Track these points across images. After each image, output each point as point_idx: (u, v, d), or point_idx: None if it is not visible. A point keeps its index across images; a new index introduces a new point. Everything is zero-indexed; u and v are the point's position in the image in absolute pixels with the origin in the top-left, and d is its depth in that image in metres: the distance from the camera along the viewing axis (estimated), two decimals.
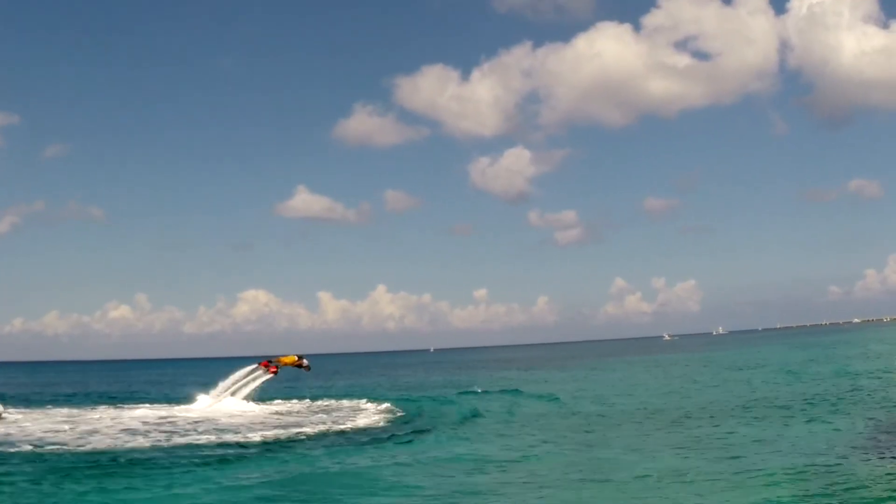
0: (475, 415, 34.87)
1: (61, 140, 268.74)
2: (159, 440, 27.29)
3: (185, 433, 29.48)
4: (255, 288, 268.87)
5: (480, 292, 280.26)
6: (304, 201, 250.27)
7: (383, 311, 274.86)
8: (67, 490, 18.59)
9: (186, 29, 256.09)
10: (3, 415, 35.54)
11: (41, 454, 23.86)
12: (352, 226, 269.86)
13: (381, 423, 32.12)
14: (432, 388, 55.43)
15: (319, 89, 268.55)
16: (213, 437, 28.02)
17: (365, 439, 27.05)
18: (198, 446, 25.85)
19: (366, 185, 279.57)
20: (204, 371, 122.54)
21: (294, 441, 26.86)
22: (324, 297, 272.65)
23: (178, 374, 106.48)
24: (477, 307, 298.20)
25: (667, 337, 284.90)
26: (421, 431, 28.91)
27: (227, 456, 23.57)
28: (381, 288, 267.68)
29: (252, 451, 24.86)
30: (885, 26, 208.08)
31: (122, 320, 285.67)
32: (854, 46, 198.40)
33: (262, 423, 33.16)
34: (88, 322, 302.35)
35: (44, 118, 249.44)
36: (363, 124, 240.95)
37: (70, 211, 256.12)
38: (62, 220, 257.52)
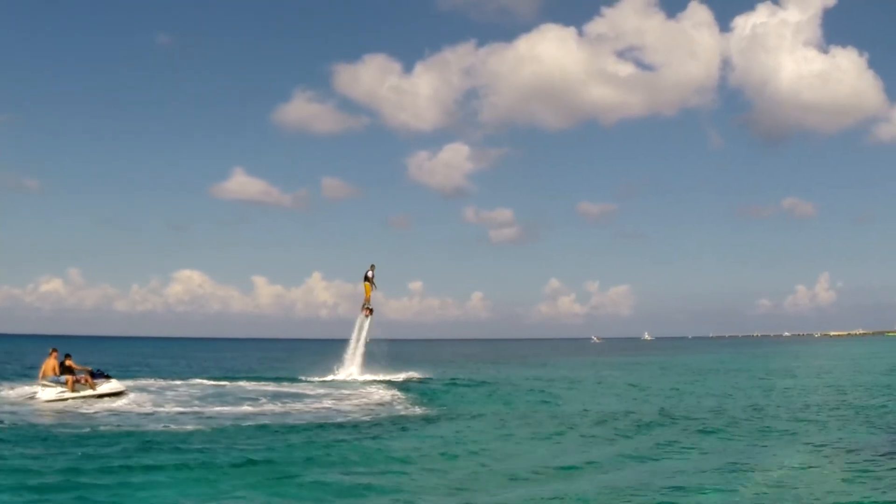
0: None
1: None
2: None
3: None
4: (189, 268, 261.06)
5: (415, 284, 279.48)
6: (241, 183, 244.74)
7: (318, 298, 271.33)
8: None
9: (125, 1, 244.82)
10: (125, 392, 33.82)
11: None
12: (288, 211, 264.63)
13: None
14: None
15: (259, 71, 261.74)
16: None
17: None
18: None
19: (303, 171, 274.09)
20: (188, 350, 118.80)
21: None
22: (258, 281, 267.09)
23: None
24: (411, 299, 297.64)
25: (595, 339, 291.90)
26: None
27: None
28: (316, 275, 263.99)
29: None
30: (825, 51, 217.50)
31: (54, 294, 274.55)
32: (793, 69, 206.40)
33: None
34: (20, 295, 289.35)
35: None
36: (302, 110, 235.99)
37: (4, 180, 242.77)
38: None
